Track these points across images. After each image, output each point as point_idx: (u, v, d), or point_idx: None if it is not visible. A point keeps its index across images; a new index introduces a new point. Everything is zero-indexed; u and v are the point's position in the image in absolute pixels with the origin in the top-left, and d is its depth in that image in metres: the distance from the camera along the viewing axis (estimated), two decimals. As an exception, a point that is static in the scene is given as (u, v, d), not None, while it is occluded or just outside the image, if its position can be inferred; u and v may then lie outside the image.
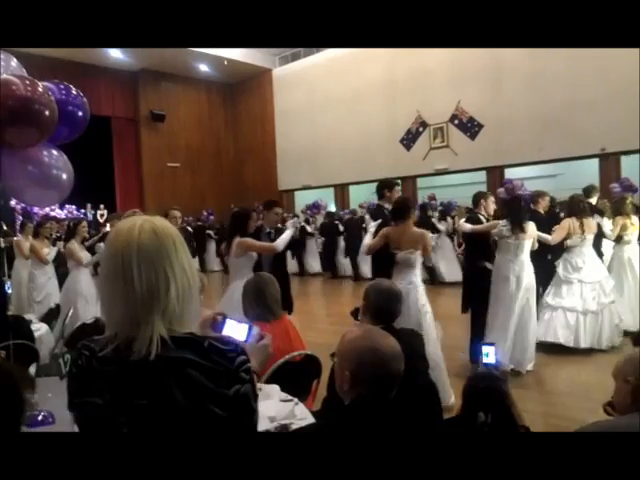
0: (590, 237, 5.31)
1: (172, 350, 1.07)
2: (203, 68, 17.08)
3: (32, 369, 2.65)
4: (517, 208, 4.64)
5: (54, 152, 2.56)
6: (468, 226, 4.90)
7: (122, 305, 1.09)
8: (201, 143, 18.08)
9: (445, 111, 13.35)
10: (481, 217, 4.94)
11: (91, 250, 5.80)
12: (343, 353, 1.54)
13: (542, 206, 5.59)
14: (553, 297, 5.31)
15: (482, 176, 13.07)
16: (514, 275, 4.53)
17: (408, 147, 14.23)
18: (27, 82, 2.33)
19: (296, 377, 2.66)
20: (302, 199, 16.45)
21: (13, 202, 12.84)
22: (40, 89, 2.33)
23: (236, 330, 1.45)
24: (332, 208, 15.12)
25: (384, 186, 4.64)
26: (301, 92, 16.63)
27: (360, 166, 14.88)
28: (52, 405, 2.01)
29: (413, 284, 3.87)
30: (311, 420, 2.13)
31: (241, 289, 3.17)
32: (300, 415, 2.11)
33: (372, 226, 4.28)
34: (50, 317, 4.31)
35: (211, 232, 14.44)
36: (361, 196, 14.50)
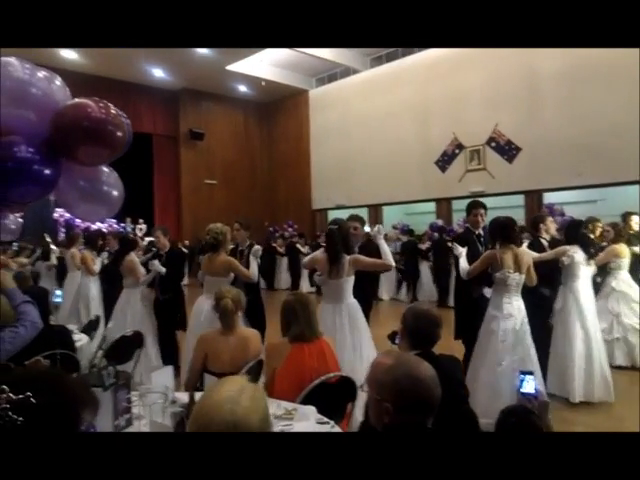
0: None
1: None
2: (241, 88, 17.48)
3: (72, 379, 2.71)
4: (584, 233, 4.67)
5: (105, 169, 2.66)
6: (534, 254, 4.56)
7: None
8: (237, 161, 18.41)
9: (481, 133, 13.24)
10: (543, 241, 4.87)
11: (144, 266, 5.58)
12: (380, 384, 1.49)
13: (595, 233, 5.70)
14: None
15: (519, 200, 12.85)
16: (586, 302, 4.53)
17: (443, 169, 14.15)
18: (101, 104, 2.45)
19: (331, 399, 2.64)
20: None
21: (56, 215, 13.32)
22: (113, 111, 2.44)
23: None
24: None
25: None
26: (336, 113, 16.80)
27: (393, 187, 14.86)
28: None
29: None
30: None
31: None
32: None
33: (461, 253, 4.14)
34: (90, 328, 4.41)
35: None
36: (394, 217, 14.45)
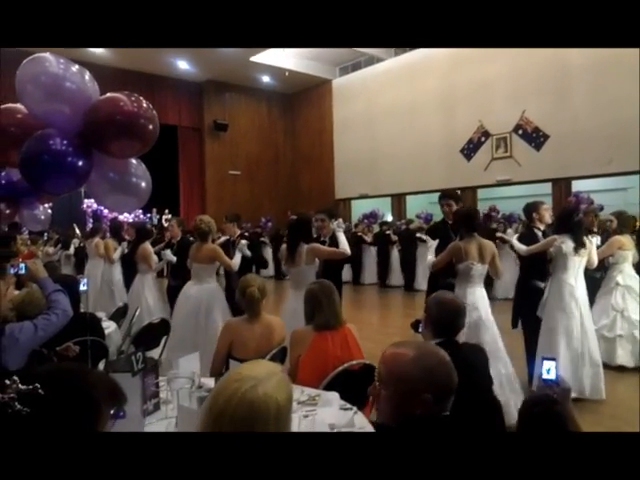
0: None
1: None
2: (265, 79, 17.50)
3: (101, 365, 2.79)
4: (577, 222, 4.30)
5: (134, 161, 2.72)
6: (523, 248, 4.54)
7: None
8: (260, 151, 18.49)
9: (508, 121, 13.00)
10: (536, 231, 4.64)
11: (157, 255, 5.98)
12: (410, 377, 1.44)
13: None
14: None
15: (547, 188, 12.60)
16: (575, 295, 4.24)
17: (469, 157, 13.95)
18: (133, 98, 2.50)
19: (354, 386, 2.66)
20: (359, 208, 16.45)
21: (84, 205, 13.61)
22: (144, 104, 2.49)
23: None
24: (389, 218, 15.03)
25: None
26: (360, 102, 16.70)
27: (417, 176, 14.74)
28: (124, 400, 2.10)
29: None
30: (371, 430, 2.13)
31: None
32: (359, 424, 2.10)
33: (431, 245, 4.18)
34: (118, 316, 4.52)
35: (266, 239, 14.66)
36: (418, 206, 14.34)
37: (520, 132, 12.89)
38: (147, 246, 5.73)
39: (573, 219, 4.31)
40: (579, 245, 4.21)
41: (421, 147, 14.77)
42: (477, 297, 3.85)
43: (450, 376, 1.47)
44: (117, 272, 6.65)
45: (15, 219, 4.47)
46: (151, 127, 2.52)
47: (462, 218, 4.02)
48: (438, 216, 12.51)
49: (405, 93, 15.22)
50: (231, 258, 4.75)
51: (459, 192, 14.16)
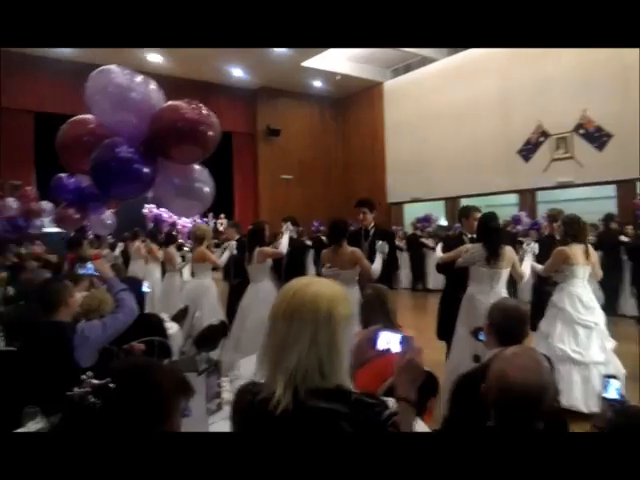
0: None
1: (320, 401, 1.12)
2: (316, 84, 17.63)
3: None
4: (491, 230, 3.98)
5: (197, 166, 2.81)
6: (437, 254, 4.42)
7: (266, 356, 1.19)
8: (312, 156, 18.61)
9: (569, 120, 12.47)
10: (465, 238, 4.44)
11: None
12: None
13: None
14: (567, 345, 4.08)
15: (611, 190, 12.00)
16: (464, 312, 4.00)
17: (527, 158, 13.48)
18: (193, 105, 2.60)
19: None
20: (411, 212, 16.25)
21: (145, 210, 14.13)
22: (205, 111, 2.59)
23: (391, 341, 1.41)
24: (443, 222, 14.75)
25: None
26: (412, 104, 16.50)
27: (472, 178, 14.38)
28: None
29: None
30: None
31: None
32: (420, 431, 2.07)
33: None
34: (180, 317, 4.67)
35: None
36: (473, 209, 13.98)
37: (581, 131, 12.34)
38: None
39: (488, 227, 4.03)
40: (492, 255, 3.89)
41: (476, 148, 14.41)
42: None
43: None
44: (157, 272, 7.39)
45: (83, 223, 4.71)
46: (211, 133, 2.60)
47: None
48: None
49: (460, 93, 14.91)
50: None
51: (517, 195, 13.82)
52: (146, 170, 2.55)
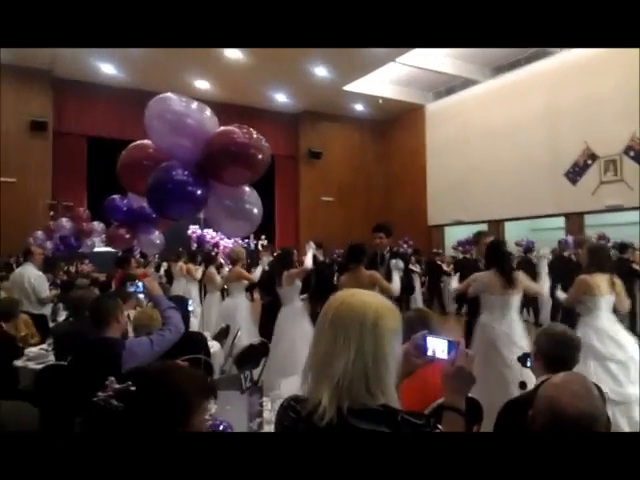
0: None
1: (366, 422, 1.11)
2: (358, 107, 17.81)
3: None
4: (501, 255, 3.92)
5: (247, 188, 2.90)
6: (454, 285, 4.35)
7: (312, 366, 1.19)
8: (353, 178, 18.71)
9: (617, 142, 12.10)
10: (480, 264, 4.45)
11: None
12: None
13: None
14: (606, 385, 3.58)
15: (664, 214, 11.51)
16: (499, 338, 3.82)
17: (574, 181, 13.12)
18: (244, 130, 2.71)
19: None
20: (452, 235, 16.02)
21: (189, 231, 14.50)
22: (255, 135, 2.69)
23: (439, 347, 1.36)
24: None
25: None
26: (455, 125, 16.41)
27: (517, 201, 14.08)
28: (230, 417, 2.18)
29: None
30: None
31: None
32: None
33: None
34: (221, 336, 4.73)
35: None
36: (518, 233, 13.66)
37: (631, 154, 11.94)
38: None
39: (497, 252, 3.95)
40: (507, 281, 3.78)
41: (522, 170, 14.12)
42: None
43: None
44: (194, 292, 7.65)
45: (133, 243, 4.88)
46: (261, 156, 2.68)
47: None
48: (540, 244, 11.93)
49: (504, 114, 14.73)
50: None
51: (564, 218, 13.38)
52: (199, 192, 2.66)
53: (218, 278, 6.88)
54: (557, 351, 2.23)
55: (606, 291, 3.95)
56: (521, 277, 3.93)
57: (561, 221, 13.65)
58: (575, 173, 13.10)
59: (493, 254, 3.99)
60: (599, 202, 12.50)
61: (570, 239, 11.30)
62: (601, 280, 3.96)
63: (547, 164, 13.62)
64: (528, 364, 2.43)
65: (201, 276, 7.48)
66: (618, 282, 4.03)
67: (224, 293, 7.36)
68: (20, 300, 4.90)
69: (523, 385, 3.08)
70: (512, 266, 4.00)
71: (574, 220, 13.19)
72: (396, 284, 4.24)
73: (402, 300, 4.23)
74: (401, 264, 4.36)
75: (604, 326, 3.91)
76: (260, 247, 15.78)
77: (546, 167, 13.63)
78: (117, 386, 2.01)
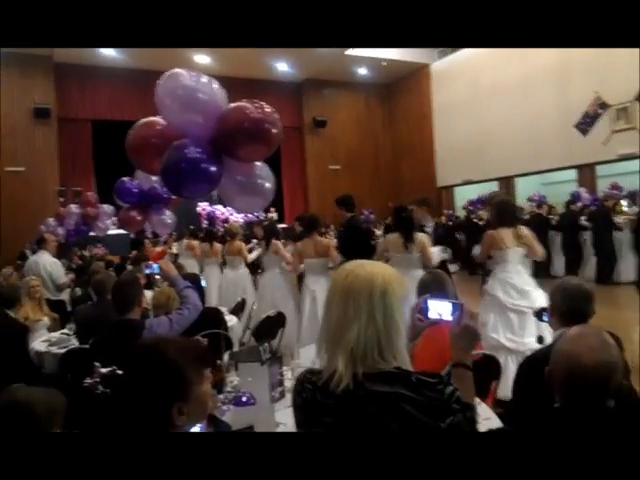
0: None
1: (381, 385, 1.14)
2: (361, 71, 17.47)
3: (226, 356, 2.99)
4: (405, 218, 4.38)
5: (259, 163, 2.89)
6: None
7: (325, 337, 1.22)
8: (360, 145, 18.51)
9: (629, 89, 11.76)
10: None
11: None
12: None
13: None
14: (504, 334, 3.92)
15: (679, 160, 11.27)
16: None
17: (585, 132, 12.84)
18: (257, 105, 2.68)
19: (474, 377, 2.60)
20: (462, 195, 15.88)
21: (199, 208, 14.53)
22: (268, 109, 2.67)
23: (442, 310, 1.38)
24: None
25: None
26: (462, 84, 16.05)
27: (528, 156, 13.84)
28: (253, 388, 2.23)
29: None
30: (495, 420, 2.08)
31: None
32: (484, 415, 2.06)
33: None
34: (238, 309, 4.81)
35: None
36: (530, 188, 13.50)
37: (644, 100, 11.63)
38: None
39: (406, 212, 4.48)
40: (407, 240, 4.30)
41: (532, 125, 13.81)
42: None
43: None
44: (195, 268, 7.56)
45: (145, 225, 4.92)
46: (275, 130, 2.66)
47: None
48: (552, 198, 11.79)
49: (512, 68, 14.31)
50: None
51: (576, 170, 13.14)
52: (213, 169, 2.65)
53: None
54: (572, 305, 2.24)
55: (512, 244, 4.10)
56: (423, 239, 4.40)
57: (573, 173, 13.44)
58: (586, 124, 12.81)
59: (398, 218, 4.53)
60: (611, 152, 12.26)
61: (582, 191, 11.17)
62: (506, 234, 4.12)
63: (557, 117, 13.31)
64: (545, 319, 2.45)
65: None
66: (525, 233, 4.16)
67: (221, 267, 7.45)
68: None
69: (540, 339, 3.13)
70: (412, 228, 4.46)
71: (586, 172, 12.98)
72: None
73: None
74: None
75: (510, 278, 4.08)
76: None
77: (556, 120, 13.33)
78: (103, 370, 2.01)
